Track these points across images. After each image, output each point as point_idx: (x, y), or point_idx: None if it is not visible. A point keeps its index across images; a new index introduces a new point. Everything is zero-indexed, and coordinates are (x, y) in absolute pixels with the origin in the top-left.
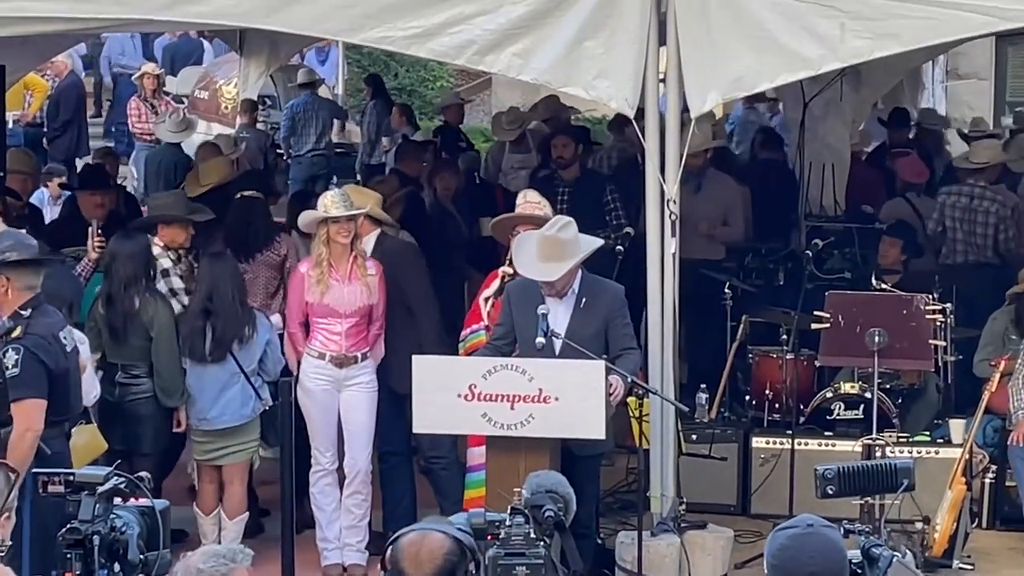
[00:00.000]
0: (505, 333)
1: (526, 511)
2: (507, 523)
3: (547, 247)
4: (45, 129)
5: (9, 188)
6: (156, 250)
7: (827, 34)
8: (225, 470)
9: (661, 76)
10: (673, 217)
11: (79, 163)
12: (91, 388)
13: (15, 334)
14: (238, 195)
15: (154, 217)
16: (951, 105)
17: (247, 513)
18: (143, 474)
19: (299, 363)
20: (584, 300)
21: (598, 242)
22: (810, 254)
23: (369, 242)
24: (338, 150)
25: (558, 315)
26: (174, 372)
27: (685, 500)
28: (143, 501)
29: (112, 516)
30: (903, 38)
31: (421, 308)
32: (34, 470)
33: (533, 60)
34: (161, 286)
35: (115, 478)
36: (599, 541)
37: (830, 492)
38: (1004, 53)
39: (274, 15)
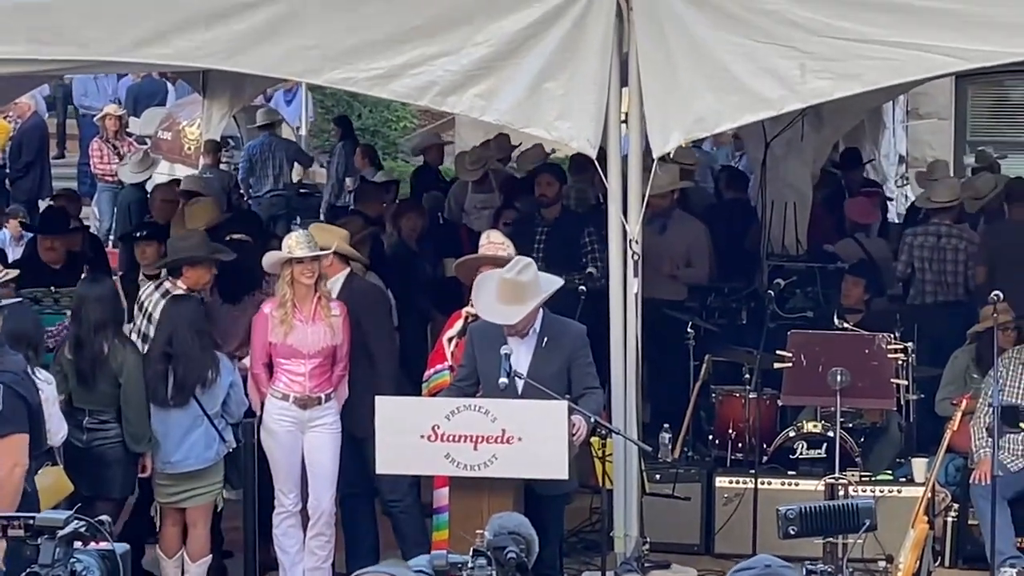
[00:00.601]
0: (468, 374)
1: (488, 553)
2: (469, 565)
3: (507, 289)
4: (7, 170)
5: None
6: (178, 293)
7: (788, 75)
8: (189, 512)
9: (623, 117)
10: (635, 257)
11: (42, 204)
12: (59, 428)
13: None
14: (228, 237)
15: (180, 259)
16: (912, 145)
17: (211, 556)
18: (104, 517)
19: (262, 404)
20: (546, 340)
21: (558, 282)
22: (772, 293)
23: (338, 281)
24: (302, 191)
25: (520, 355)
26: (143, 418)
27: (649, 540)
28: (103, 545)
29: (72, 560)
30: (865, 78)
31: (381, 353)
32: None
33: (495, 101)
34: None
35: (75, 522)
36: None
37: (792, 532)
38: (964, 93)
39: (236, 57)
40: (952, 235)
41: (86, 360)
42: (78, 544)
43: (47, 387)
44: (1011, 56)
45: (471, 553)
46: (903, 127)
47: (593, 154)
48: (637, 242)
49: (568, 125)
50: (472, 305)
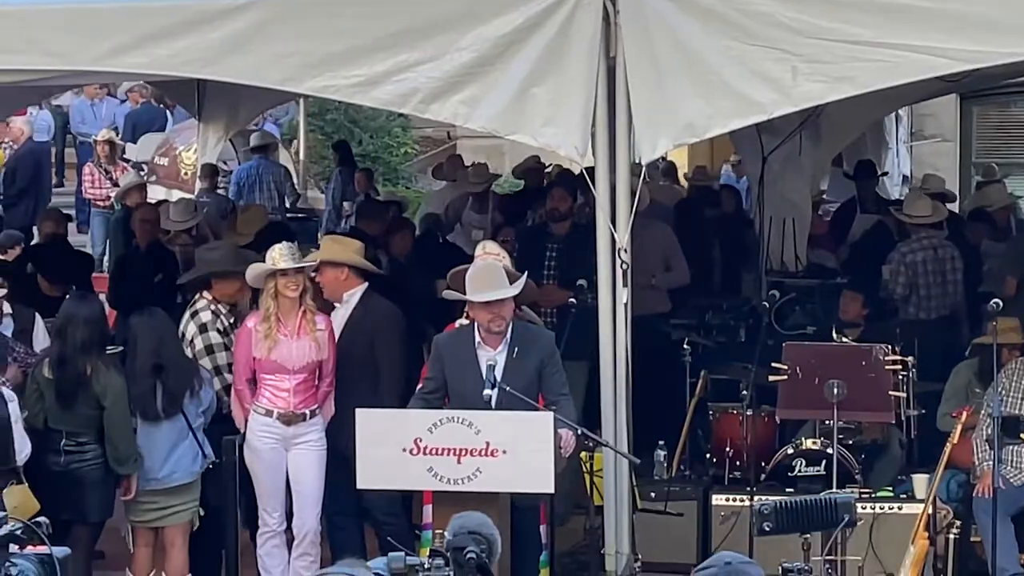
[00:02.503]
0: (436, 387)
1: (446, 553)
2: (426, 566)
3: (484, 275)
4: (2, 197)
5: None
6: (201, 303)
7: (779, 78)
8: (167, 532)
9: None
10: (624, 266)
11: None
12: (23, 446)
13: None
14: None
15: (208, 272)
16: (916, 166)
17: None
18: (41, 520)
19: (246, 421)
20: (516, 349)
21: (522, 277)
22: (768, 305)
23: (354, 296)
24: (299, 215)
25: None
26: (129, 440)
27: (640, 558)
28: (41, 549)
29: (7, 564)
30: (858, 81)
31: (387, 374)
32: None
33: (479, 108)
34: (198, 342)
35: (10, 523)
36: None
37: (767, 528)
38: (969, 113)
39: (213, 65)
40: (945, 246)
41: (68, 380)
42: (14, 547)
43: (11, 404)
44: (1006, 57)
45: (428, 553)
46: (907, 147)
47: (581, 161)
48: (626, 251)
49: (554, 131)
50: (465, 316)
